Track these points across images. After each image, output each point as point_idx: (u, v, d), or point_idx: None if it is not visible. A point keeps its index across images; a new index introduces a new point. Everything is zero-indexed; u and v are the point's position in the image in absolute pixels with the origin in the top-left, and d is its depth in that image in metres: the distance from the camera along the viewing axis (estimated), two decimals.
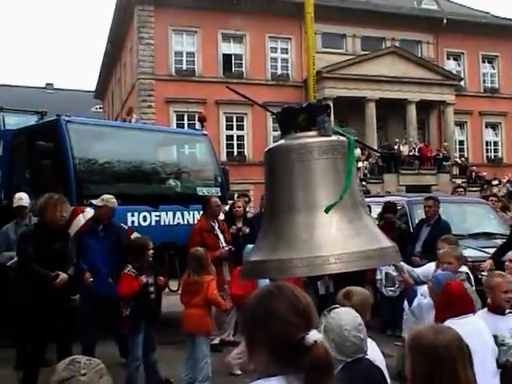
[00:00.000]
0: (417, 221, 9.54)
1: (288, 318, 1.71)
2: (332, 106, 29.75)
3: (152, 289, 6.25)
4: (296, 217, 2.64)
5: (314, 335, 1.67)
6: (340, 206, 2.63)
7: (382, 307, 9.02)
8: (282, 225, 2.68)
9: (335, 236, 2.60)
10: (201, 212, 8.89)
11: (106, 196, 7.50)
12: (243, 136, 30.22)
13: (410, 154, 29.90)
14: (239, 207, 9.03)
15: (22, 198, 7.77)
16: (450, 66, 34.76)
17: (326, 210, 2.58)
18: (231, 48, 30.84)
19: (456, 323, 3.46)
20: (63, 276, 5.94)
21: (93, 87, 47.65)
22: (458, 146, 34.40)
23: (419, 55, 33.51)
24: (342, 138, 2.85)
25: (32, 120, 11.43)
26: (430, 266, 6.44)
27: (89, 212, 7.98)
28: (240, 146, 30.13)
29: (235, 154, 29.69)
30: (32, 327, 5.81)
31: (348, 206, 2.68)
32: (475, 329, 3.75)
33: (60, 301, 5.93)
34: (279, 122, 3.00)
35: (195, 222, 8.95)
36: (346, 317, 3.00)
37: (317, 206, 2.63)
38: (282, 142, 2.93)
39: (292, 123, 2.89)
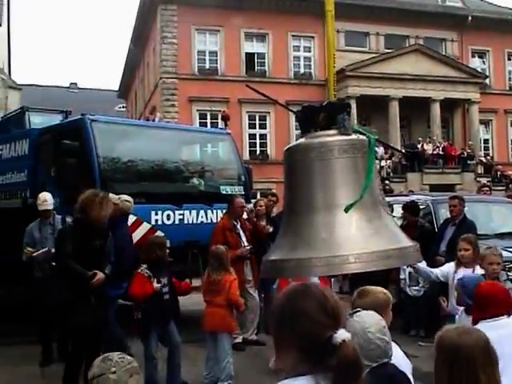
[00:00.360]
0: (441, 220, 9.45)
1: (316, 317, 1.69)
2: (355, 104, 29.66)
3: (166, 289, 6.09)
4: (315, 216, 2.63)
5: (342, 334, 1.65)
6: (360, 205, 2.61)
7: (406, 307, 8.96)
8: (301, 224, 2.67)
9: (355, 235, 2.58)
10: (224, 210, 8.92)
11: (124, 196, 7.44)
12: (266, 135, 30.21)
13: (434, 152, 29.62)
14: (261, 206, 9.02)
15: (47, 200, 7.77)
16: (475, 63, 34.31)
17: (346, 210, 2.57)
18: (254, 47, 30.83)
19: (488, 325, 3.39)
20: (100, 275, 5.75)
21: (116, 86, 48.02)
22: (482, 145, 33.96)
23: (443, 53, 33.16)
24: (362, 136, 2.84)
25: (57, 119, 11.53)
26: (450, 267, 6.36)
27: None
28: (263, 145, 30.11)
29: (258, 152, 29.68)
30: (74, 323, 5.66)
31: (368, 205, 2.67)
32: (510, 331, 3.65)
33: (101, 298, 5.85)
34: (299, 121, 2.99)
35: (218, 220, 8.97)
36: (369, 319, 2.94)
37: (336, 205, 2.62)
38: (301, 140, 2.93)
39: (312, 122, 2.88)
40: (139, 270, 5.93)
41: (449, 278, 6.23)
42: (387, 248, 2.56)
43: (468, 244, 6.25)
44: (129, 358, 2.32)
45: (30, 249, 7.56)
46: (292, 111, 3.18)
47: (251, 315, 8.31)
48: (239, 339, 8.08)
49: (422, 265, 5.91)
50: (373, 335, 2.84)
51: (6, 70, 27.87)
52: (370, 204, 2.68)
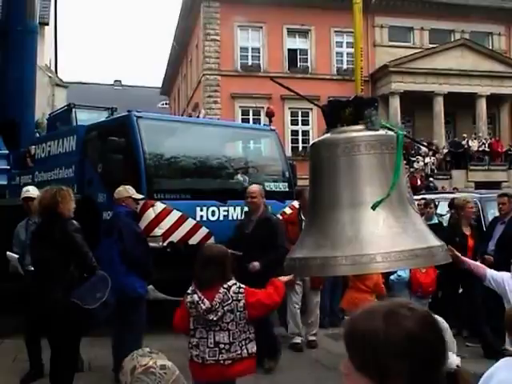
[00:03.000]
0: (489, 218, 9.26)
1: (434, 341, 1.47)
2: (399, 100, 29.34)
3: None
4: (340, 213, 2.58)
5: (454, 360, 1.52)
6: (387, 203, 2.57)
7: (447, 306, 8.75)
8: (325, 221, 2.62)
9: (382, 234, 2.53)
10: (268, 207, 8.93)
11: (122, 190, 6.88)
12: (308, 131, 30.07)
13: (480, 149, 29.03)
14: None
15: (29, 190, 7.52)
16: None
17: (373, 207, 2.52)
18: (296, 43, 30.76)
19: None
20: None
21: (159, 84, 48.46)
22: None
23: (490, 47, 32.47)
24: (390, 132, 2.77)
25: (103, 116, 11.71)
26: (505, 275, 6.02)
27: (159, 206, 8.08)
28: (305, 141, 29.90)
29: (300, 149, 29.53)
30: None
31: (395, 202, 2.62)
32: None
33: None
34: (325, 116, 2.94)
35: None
36: None
37: (362, 203, 2.57)
38: (327, 136, 2.89)
39: (338, 117, 2.83)
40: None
41: (504, 287, 5.81)
42: (415, 247, 2.50)
43: None
44: (171, 367, 2.13)
45: (10, 253, 7.25)
46: (318, 106, 3.12)
47: (310, 314, 8.09)
48: (298, 340, 7.89)
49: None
50: None
51: (53, 68, 28.39)
52: (398, 202, 2.63)
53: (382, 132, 2.72)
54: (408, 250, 2.46)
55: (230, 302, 4.16)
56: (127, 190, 6.76)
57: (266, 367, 6.61)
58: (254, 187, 7.33)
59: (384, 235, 2.51)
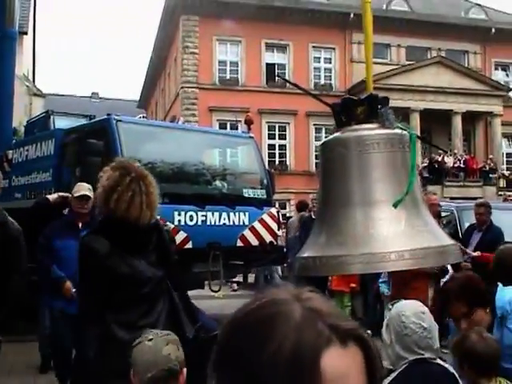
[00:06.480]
0: (465, 227, 9.32)
1: None
2: None
3: None
4: (355, 211, 2.58)
5: None
6: (402, 202, 2.59)
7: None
8: (339, 218, 2.61)
9: (405, 231, 2.54)
10: (246, 213, 8.92)
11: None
12: (285, 145, 30.18)
13: (455, 165, 29.39)
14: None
15: None
16: (498, 76, 34.05)
17: (395, 205, 2.52)
18: (274, 57, 30.90)
19: None
20: None
21: (137, 97, 48.33)
22: (505, 159, 33.70)
23: (466, 65, 32.98)
24: (403, 131, 2.80)
25: (81, 123, 11.59)
26: None
27: None
28: (282, 156, 30.08)
29: (277, 163, 29.63)
30: None
31: (409, 202, 2.63)
32: None
33: None
34: (335, 114, 2.94)
35: (241, 223, 8.96)
36: (406, 305, 2.85)
37: (377, 201, 2.58)
38: (339, 134, 2.86)
39: (351, 115, 2.82)
40: None
41: None
42: (438, 244, 2.52)
43: None
44: (169, 332, 2.32)
45: None
46: (327, 104, 3.12)
47: None
48: None
49: None
50: (407, 319, 2.70)
51: (31, 78, 28.16)
52: (411, 201, 2.64)
53: (397, 130, 2.73)
54: (433, 246, 2.46)
55: None
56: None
57: None
58: None
59: (407, 233, 2.51)
